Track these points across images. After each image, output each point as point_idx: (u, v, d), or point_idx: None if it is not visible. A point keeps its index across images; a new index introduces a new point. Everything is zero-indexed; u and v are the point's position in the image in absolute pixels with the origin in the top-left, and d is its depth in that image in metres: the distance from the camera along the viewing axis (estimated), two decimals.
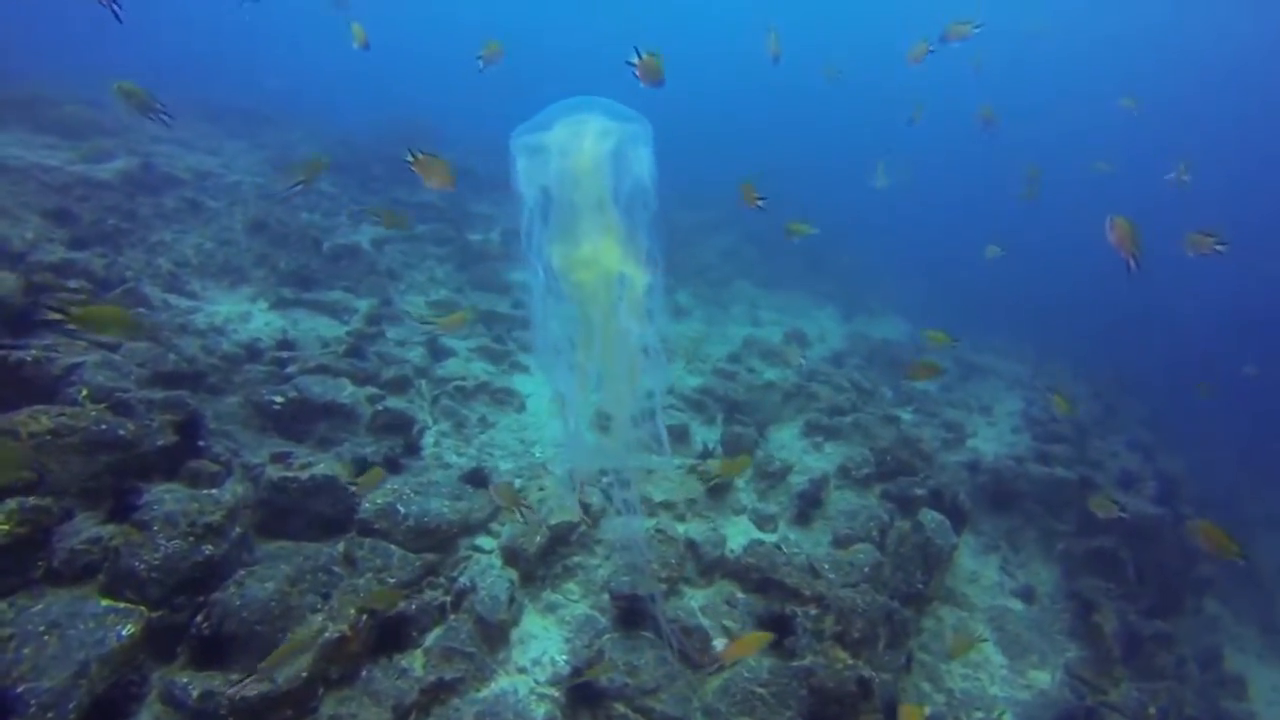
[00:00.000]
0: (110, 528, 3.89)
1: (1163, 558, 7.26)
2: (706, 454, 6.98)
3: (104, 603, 3.54)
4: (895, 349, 12.91)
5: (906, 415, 9.61)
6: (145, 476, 4.35)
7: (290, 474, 4.85)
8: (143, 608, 3.59)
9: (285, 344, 7.09)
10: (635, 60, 4.90)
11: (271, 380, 6.27)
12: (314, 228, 10.09)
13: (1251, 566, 10.85)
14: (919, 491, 6.19)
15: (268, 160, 13.30)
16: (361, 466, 5.48)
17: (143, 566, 3.72)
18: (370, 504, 4.93)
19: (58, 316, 3.95)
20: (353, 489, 4.95)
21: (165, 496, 4.14)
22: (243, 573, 4.10)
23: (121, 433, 4.31)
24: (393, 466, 5.91)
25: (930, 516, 5.54)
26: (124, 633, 3.41)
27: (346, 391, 6.40)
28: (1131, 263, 4.77)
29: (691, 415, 8.13)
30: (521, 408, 7.73)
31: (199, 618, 3.82)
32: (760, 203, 5.72)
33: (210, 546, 4.02)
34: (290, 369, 6.51)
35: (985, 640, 5.63)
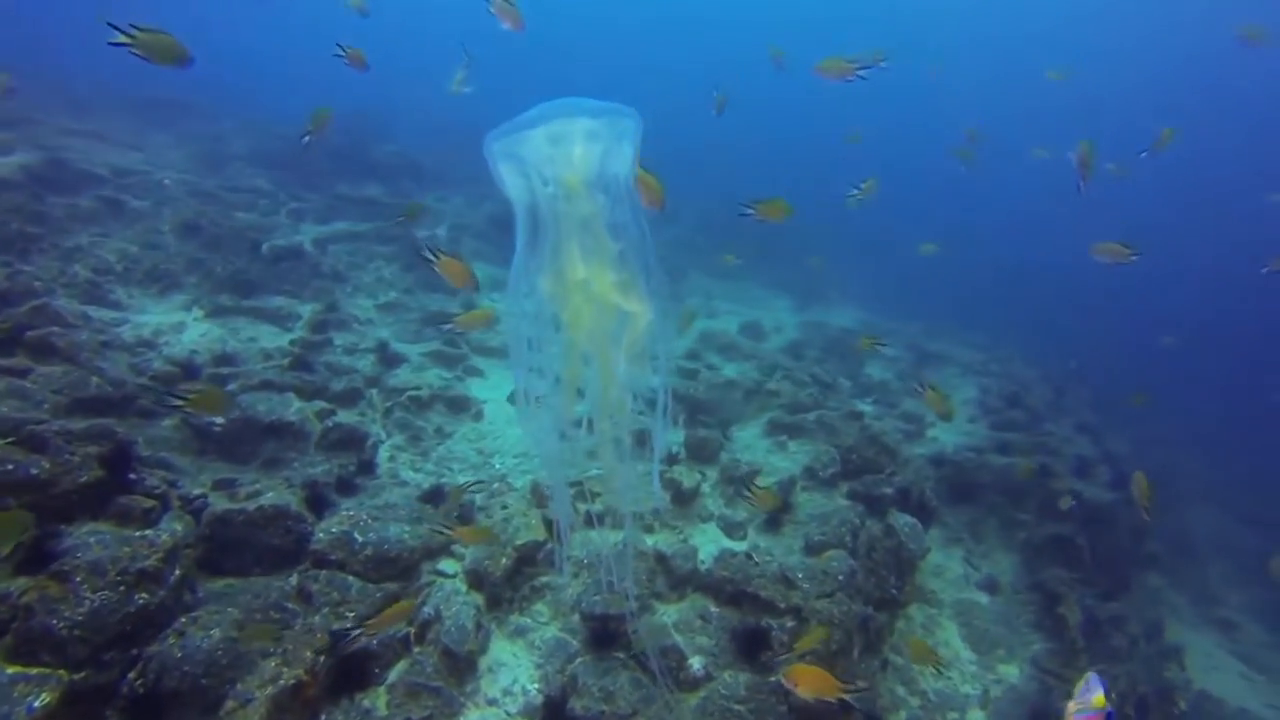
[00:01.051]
0: (21, 581, 3.50)
1: (1116, 540, 7.46)
2: (673, 459, 6.83)
3: (11, 670, 3.16)
4: (853, 338, 13.01)
5: (866, 407, 9.65)
6: (66, 519, 3.95)
7: (236, 506, 4.51)
8: (62, 672, 3.23)
9: (225, 358, 6.64)
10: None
11: None
12: (252, 228, 9.52)
13: (1186, 539, 11.34)
14: (886, 490, 6.18)
15: (197, 155, 12.57)
16: (312, 489, 5.16)
17: (63, 624, 3.35)
18: (324, 533, 4.62)
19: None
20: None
21: (90, 541, 3.76)
22: (184, 620, 3.78)
23: (34, 472, 3.90)
24: (346, 488, 5.60)
25: (903, 520, 5.53)
26: (36, 704, 3.05)
27: (294, 408, 6.04)
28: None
29: (653, 417, 7.97)
30: (479, 415, 7.45)
31: (132, 675, 3.49)
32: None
33: (145, 595, 3.67)
34: (232, 386, 6.09)
35: (944, 646, 5.67)
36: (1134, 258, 5.92)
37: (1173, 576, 9.94)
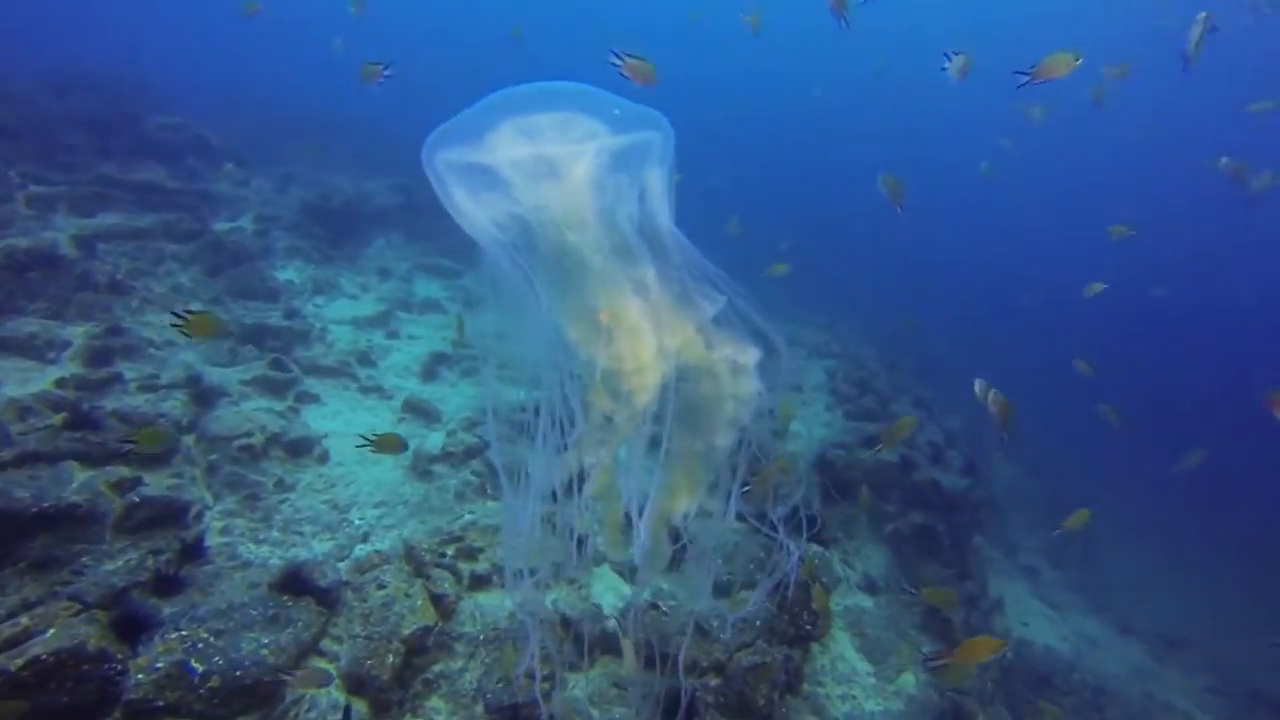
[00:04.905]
0: None
1: (964, 520, 8.15)
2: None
3: None
4: None
5: None
6: None
7: None
8: None
9: None
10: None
11: None
12: None
13: (993, 495, 12.85)
14: (777, 509, 6.13)
15: None
16: (119, 604, 4.01)
17: None
18: (146, 673, 3.59)
19: None
20: (118, 661, 3.56)
21: None
22: None
23: None
24: (168, 586, 4.45)
25: (812, 551, 5.51)
26: None
27: (75, 484, 4.70)
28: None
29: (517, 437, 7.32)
30: (323, 457, 6.40)
31: None
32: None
33: None
34: None
35: (840, 661, 5.78)
36: (900, 207, 6.35)
37: (988, 533, 11.22)
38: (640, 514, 2.32)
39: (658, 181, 2.16)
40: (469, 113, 2.15)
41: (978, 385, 5.41)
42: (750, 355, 2.31)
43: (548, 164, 2.01)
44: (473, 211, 2.17)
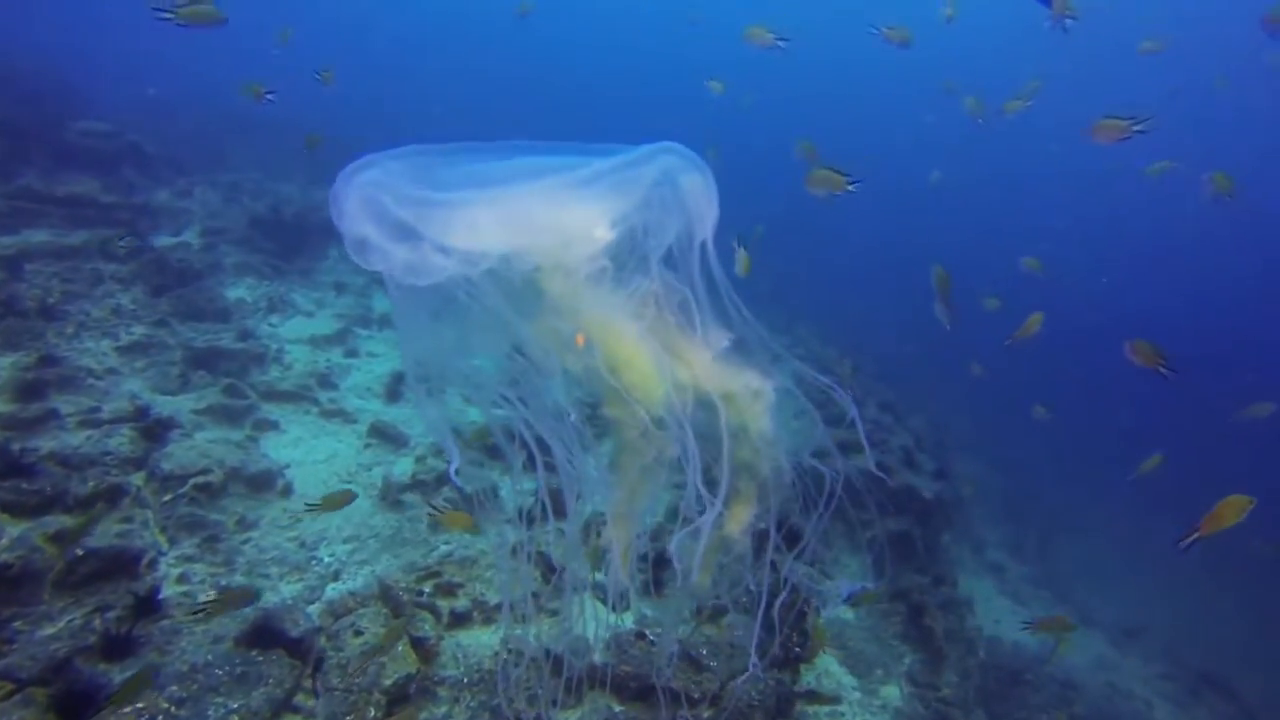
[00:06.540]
0: None
1: (937, 524, 8.24)
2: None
3: None
4: None
5: None
6: None
7: None
8: None
9: None
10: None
11: None
12: None
13: (961, 495, 13.09)
14: (760, 525, 6.07)
15: None
16: (62, 677, 3.68)
17: None
18: None
19: None
20: None
21: None
22: None
23: None
24: (118, 648, 4.12)
25: (799, 571, 5.45)
26: None
27: (4, 540, 4.33)
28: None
29: (489, 463, 7.00)
30: (286, 490, 6.06)
31: None
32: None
33: None
34: None
35: (826, 676, 5.75)
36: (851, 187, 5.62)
37: (954, 530, 11.41)
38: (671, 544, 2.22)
39: (689, 204, 2.05)
40: (424, 166, 1.96)
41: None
42: (768, 382, 2.23)
43: (531, 250, 1.88)
44: (395, 257, 1.96)
